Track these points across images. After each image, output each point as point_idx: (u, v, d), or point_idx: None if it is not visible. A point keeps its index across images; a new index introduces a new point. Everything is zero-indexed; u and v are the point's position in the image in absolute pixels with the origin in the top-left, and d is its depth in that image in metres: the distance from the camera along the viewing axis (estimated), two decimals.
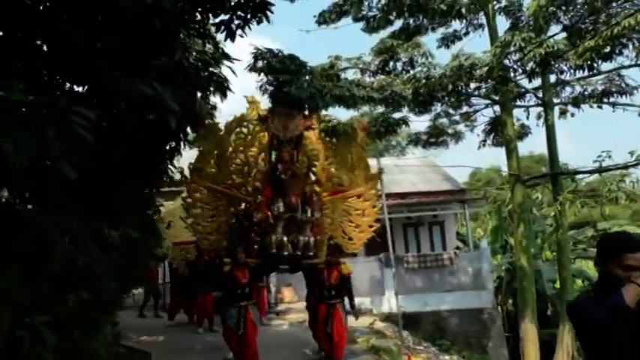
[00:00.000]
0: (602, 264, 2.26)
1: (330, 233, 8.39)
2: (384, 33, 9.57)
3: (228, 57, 5.40)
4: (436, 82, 7.15)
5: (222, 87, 5.30)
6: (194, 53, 5.12)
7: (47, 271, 4.03)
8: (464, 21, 9.30)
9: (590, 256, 14.12)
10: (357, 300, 13.22)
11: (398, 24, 9.45)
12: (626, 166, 7.44)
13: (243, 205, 8.31)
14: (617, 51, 7.13)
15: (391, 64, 8.10)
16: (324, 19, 9.58)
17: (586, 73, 7.43)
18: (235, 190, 8.26)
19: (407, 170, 18.02)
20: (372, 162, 10.88)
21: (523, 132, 10.60)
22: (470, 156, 57.42)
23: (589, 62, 7.09)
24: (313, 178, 8.42)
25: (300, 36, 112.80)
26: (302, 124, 7.83)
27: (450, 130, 11.49)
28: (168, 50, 4.69)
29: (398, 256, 14.20)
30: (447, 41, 10.31)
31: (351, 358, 7.97)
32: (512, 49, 6.64)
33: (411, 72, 7.79)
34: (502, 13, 9.37)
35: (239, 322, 6.75)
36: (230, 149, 7.82)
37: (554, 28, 8.18)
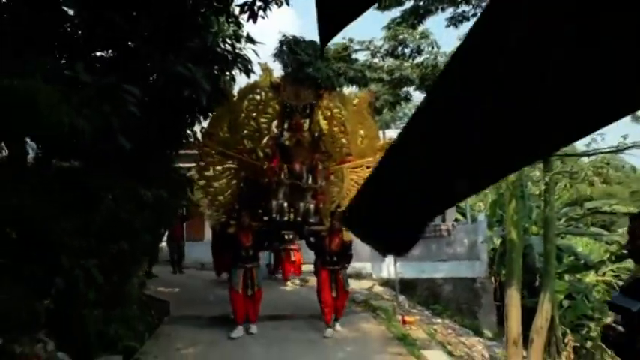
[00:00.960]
0: None
1: (338, 202, 8.61)
2: (395, 11, 9.98)
3: (252, 40, 5.96)
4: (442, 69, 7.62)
5: (247, 67, 5.87)
6: (221, 36, 5.67)
7: (96, 222, 4.72)
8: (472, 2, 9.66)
9: (580, 233, 14.78)
10: (358, 265, 14.13)
11: (409, 4, 9.87)
12: (610, 151, 8.00)
13: (252, 170, 8.37)
14: None
15: (400, 49, 8.56)
16: None
17: None
18: (246, 155, 8.34)
19: None
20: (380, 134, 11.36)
21: None
22: None
23: None
24: (323, 147, 8.46)
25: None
26: (315, 93, 8.06)
27: None
28: (200, 33, 5.26)
29: None
30: (455, 21, 10.66)
31: (351, 315, 8.57)
32: None
33: (419, 58, 8.28)
34: None
35: (246, 283, 6.92)
36: (242, 115, 7.80)
37: None
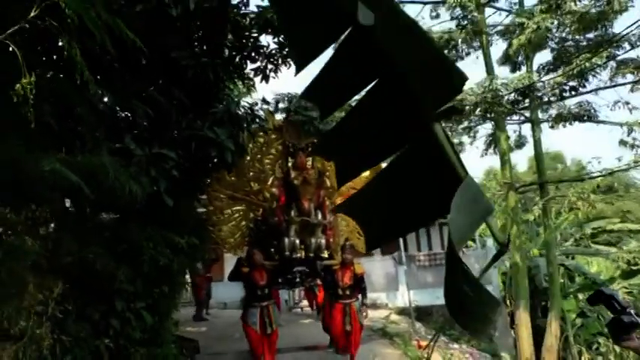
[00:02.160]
0: None
1: (346, 235, 8.86)
2: None
3: (266, 102, 6.79)
4: None
5: (262, 126, 6.68)
6: (238, 99, 6.51)
7: (142, 268, 5.40)
8: (464, 46, 10.53)
9: (587, 252, 15.17)
10: (373, 295, 14.63)
11: None
12: (600, 175, 8.65)
13: (260, 211, 8.54)
14: (582, 84, 8.43)
15: None
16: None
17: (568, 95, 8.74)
18: (253, 197, 8.48)
19: None
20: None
21: (520, 142, 11.78)
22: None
23: (559, 93, 8.39)
24: (328, 183, 8.55)
25: None
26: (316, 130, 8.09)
27: (455, 140, 12.63)
28: (221, 99, 6.07)
29: (410, 254, 15.48)
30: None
31: (368, 342, 9.08)
32: (491, 87, 7.93)
33: None
34: (498, 36, 10.60)
35: (264, 322, 6.99)
36: (247, 158, 7.96)
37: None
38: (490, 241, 15.53)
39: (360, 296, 7.74)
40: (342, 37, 1.15)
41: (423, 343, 8.84)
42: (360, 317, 7.57)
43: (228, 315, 12.37)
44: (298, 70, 1.32)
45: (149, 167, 4.65)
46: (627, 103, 8.92)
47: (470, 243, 18.15)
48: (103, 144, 4.39)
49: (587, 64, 7.64)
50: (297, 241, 7.82)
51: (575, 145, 59.99)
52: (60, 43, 2.64)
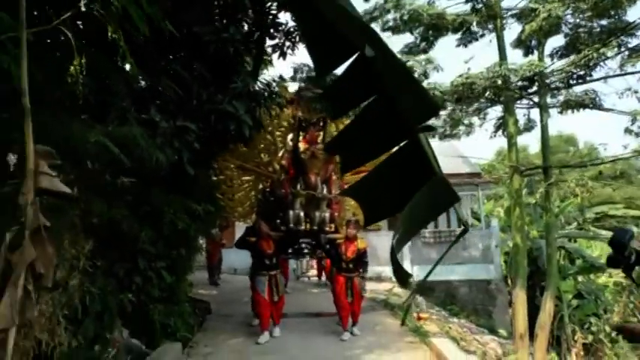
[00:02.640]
0: None
1: (352, 211, 9.09)
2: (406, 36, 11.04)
3: (283, 79, 7.07)
4: (441, 97, 8.70)
5: (279, 103, 7.00)
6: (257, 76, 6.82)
7: (162, 232, 5.83)
8: (477, 28, 10.64)
9: (589, 236, 15.45)
10: (378, 268, 15.08)
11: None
12: (602, 162, 8.90)
13: (269, 182, 8.75)
14: (589, 74, 8.58)
15: None
16: None
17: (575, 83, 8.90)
18: (263, 168, 8.63)
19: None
20: None
21: (530, 125, 11.96)
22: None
23: (566, 81, 8.56)
24: (337, 158, 8.13)
25: None
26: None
27: (465, 121, 12.80)
28: (240, 75, 6.37)
29: None
30: (464, 41, 11.63)
31: (371, 313, 9.52)
32: (500, 73, 8.12)
33: (425, 82, 9.31)
34: (513, 19, 10.67)
35: (271, 290, 7.24)
36: None
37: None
38: (495, 221, 15.85)
39: (361, 270, 7.80)
40: (352, 59, 1.47)
41: (422, 315, 9.25)
42: (362, 290, 7.73)
43: (237, 280, 12.92)
44: (318, 77, 1.68)
45: (173, 138, 5.02)
46: (636, 91, 9.08)
47: (475, 222, 18.50)
48: (130, 115, 4.75)
49: (595, 55, 7.81)
50: (302, 214, 7.94)
51: (589, 128, 59.31)
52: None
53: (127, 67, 4.38)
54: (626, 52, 9.04)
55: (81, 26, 3.41)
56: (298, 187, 7.92)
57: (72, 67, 2.53)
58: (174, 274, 6.54)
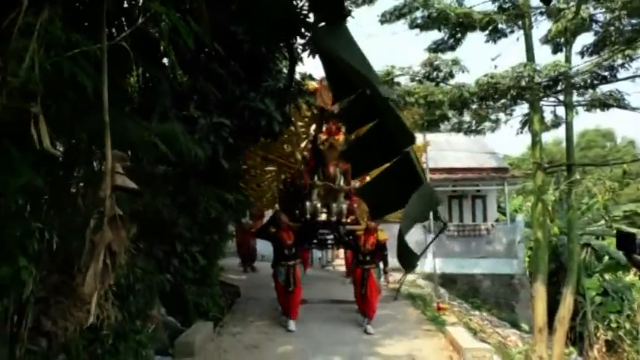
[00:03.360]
0: None
1: None
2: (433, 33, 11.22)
3: (312, 78, 7.44)
4: (468, 97, 8.89)
5: (308, 101, 7.37)
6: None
7: (198, 218, 6.31)
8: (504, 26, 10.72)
9: (608, 233, 15.35)
10: None
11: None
12: (624, 162, 8.94)
13: (291, 173, 8.77)
14: (613, 75, 8.62)
15: (434, 73, 9.78)
16: (386, 18, 11.31)
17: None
18: (285, 159, 8.71)
19: (456, 147, 19.44)
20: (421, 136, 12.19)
21: (557, 122, 11.98)
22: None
23: (590, 82, 8.63)
24: None
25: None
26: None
27: (492, 117, 12.89)
28: (272, 72, 6.76)
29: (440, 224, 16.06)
30: (492, 38, 11.71)
31: (393, 302, 9.88)
32: (525, 74, 8.25)
33: (449, 84, 9.49)
34: (542, 16, 10.70)
35: (288, 280, 7.26)
36: None
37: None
38: (520, 217, 15.90)
39: (381, 263, 7.86)
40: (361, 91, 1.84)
41: (442, 305, 9.55)
42: (378, 283, 7.61)
43: (265, 266, 13.42)
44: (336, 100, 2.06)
45: (210, 134, 5.46)
46: None
47: (501, 217, 18.52)
48: (171, 113, 5.20)
49: (620, 56, 7.87)
50: (319, 205, 7.98)
51: (629, 122, 57.43)
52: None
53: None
54: None
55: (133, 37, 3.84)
56: (316, 178, 7.93)
57: (131, 78, 2.94)
58: (207, 258, 7.05)
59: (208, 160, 5.72)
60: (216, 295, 7.95)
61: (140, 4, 3.02)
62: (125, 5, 3.12)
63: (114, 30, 3.09)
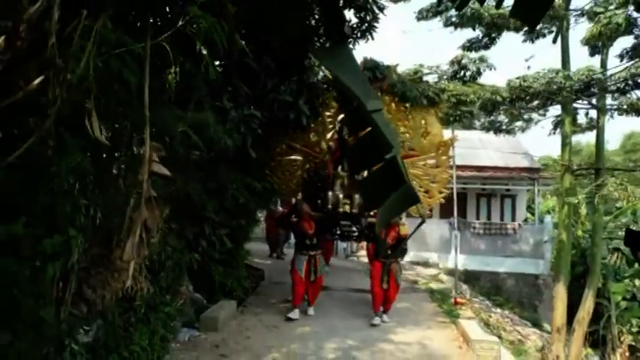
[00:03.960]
0: None
1: None
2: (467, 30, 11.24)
3: None
4: (498, 100, 8.95)
5: (334, 93, 7.63)
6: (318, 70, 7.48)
7: (226, 203, 6.69)
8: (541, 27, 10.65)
9: None
10: (426, 254, 15.53)
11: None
12: None
13: (316, 163, 8.75)
14: None
15: (462, 72, 9.85)
16: (422, 15, 11.42)
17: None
18: (310, 148, 8.65)
19: (489, 145, 19.33)
20: (457, 133, 12.15)
21: (591, 125, 11.85)
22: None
23: (622, 87, 8.55)
24: None
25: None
26: (378, 88, 7.93)
27: (525, 116, 12.85)
28: (301, 71, 7.04)
29: (467, 221, 16.10)
30: (531, 36, 11.64)
31: (412, 294, 10.08)
32: (557, 80, 8.23)
33: (478, 86, 9.55)
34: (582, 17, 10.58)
35: (310, 270, 7.31)
36: None
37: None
38: (548, 218, 15.76)
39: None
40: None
41: (460, 300, 9.70)
42: (398, 277, 7.52)
43: (291, 252, 13.84)
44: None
45: (240, 124, 5.81)
46: None
47: (530, 217, 18.38)
48: (205, 104, 5.57)
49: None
50: (341, 196, 7.99)
51: None
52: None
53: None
54: None
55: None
56: (340, 168, 7.94)
57: (169, 75, 3.29)
58: (233, 241, 7.46)
59: (237, 149, 6.08)
60: (241, 277, 8.38)
61: (179, 8, 3.36)
62: (167, 9, 3.45)
63: (156, 30, 3.44)
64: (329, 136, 8.76)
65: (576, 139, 15.24)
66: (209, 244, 6.50)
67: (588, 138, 37.85)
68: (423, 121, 8.77)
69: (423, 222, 3.76)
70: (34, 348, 3.23)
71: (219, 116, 5.56)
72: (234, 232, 7.35)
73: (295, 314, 7.20)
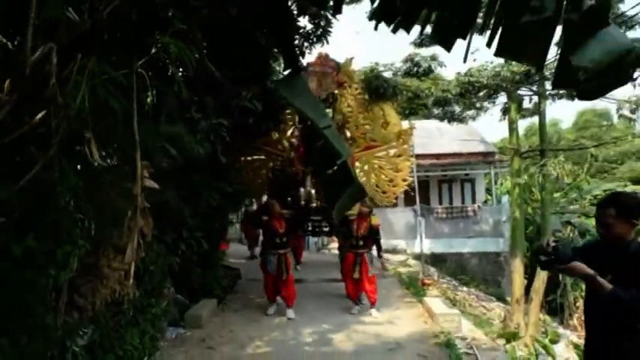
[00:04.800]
0: (626, 221, 2.39)
1: (367, 188, 10.23)
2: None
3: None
4: (450, 97, 9.66)
5: None
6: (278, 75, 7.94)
7: (201, 208, 7.09)
8: None
9: (577, 211, 16.28)
10: (394, 241, 16.19)
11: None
12: (593, 146, 9.80)
13: (279, 161, 8.97)
14: None
15: (414, 69, 10.49)
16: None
17: None
18: (272, 146, 8.79)
19: (446, 133, 20.18)
20: (415, 123, 12.91)
21: (536, 109, 12.76)
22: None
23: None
24: (348, 134, 8.83)
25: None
26: (336, 82, 8.41)
27: (477, 105, 13.62)
28: (262, 77, 7.48)
29: (430, 207, 16.92)
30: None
31: (382, 279, 10.64)
32: (502, 74, 9.04)
33: (431, 81, 10.23)
34: None
35: (280, 269, 7.34)
36: None
37: None
38: (505, 198, 16.73)
39: (374, 247, 7.96)
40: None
41: (426, 281, 10.38)
42: (371, 268, 7.71)
43: None
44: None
45: (209, 133, 6.22)
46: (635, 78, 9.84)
47: (489, 199, 19.36)
48: (175, 115, 5.96)
49: None
50: (313, 191, 8.20)
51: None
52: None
53: None
54: None
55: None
56: (308, 164, 8.14)
57: (147, 98, 3.72)
58: (209, 243, 7.86)
59: (208, 155, 6.50)
60: (219, 277, 8.79)
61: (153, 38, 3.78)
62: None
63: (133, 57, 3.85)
64: (289, 132, 8.93)
65: (532, 119, 16.12)
66: (187, 247, 6.89)
67: (548, 118, 39.76)
68: (381, 112, 9.05)
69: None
70: (44, 349, 3.62)
71: (190, 127, 5.97)
72: (209, 235, 7.75)
73: (273, 309, 7.50)
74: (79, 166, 3.62)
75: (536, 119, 11.86)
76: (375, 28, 2.82)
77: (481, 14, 2.64)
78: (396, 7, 2.51)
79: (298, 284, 8.85)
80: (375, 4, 2.61)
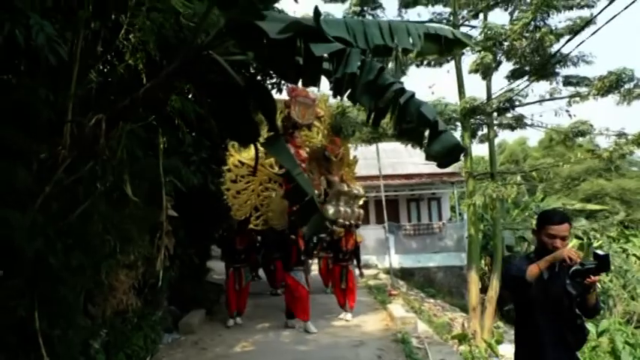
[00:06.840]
0: (536, 233, 2.67)
1: None
2: None
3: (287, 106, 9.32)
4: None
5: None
6: None
7: (193, 229, 8.11)
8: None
9: (523, 227, 17.81)
10: (366, 257, 17.34)
11: None
12: (532, 170, 11.36)
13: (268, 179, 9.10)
14: (513, 106, 11.05)
15: None
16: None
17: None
18: (262, 167, 8.64)
19: (414, 154, 21.56)
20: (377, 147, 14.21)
21: (495, 135, 14.25)
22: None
23: (497, 108, 11.01)
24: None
25: None
26: (315, 115, 9.11)
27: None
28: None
29: (399, 224, 18.18)
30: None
31: None
32: (445, 111, 10.48)
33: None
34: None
35: (235, 280, 8.27)
36: None
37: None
38: (466, 215, 18.11)
39: (355, 261, 8.87)
40: None
41: (393, 292, 11.53)
42: (356, 277, 8.66)
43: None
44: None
45: (201, 165, 7.31)
46: (567, 111, 11.40)
47: (454, 216, 20.76)
48: (171, 149, 7.03)
49: (515, 89, 10.30)
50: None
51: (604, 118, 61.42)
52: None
53: None
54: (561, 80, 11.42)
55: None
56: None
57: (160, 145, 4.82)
58: (199, 259, 8.87)
59: (200, 184, 7.57)
60: (207, 290, 9.77)
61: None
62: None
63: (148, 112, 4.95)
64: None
65: (502, 137, 17.62)
66: (181, 263, 7.89)
67: (512, 139, 42.34)
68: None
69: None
70: (77, 342, 4.61)
71: (184, 160, 7.05)
72: (199, 252, 8.77)
73: (231, 322, 8.25)
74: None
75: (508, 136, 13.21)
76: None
77: None
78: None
79: (281, 295, 9.84)
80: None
